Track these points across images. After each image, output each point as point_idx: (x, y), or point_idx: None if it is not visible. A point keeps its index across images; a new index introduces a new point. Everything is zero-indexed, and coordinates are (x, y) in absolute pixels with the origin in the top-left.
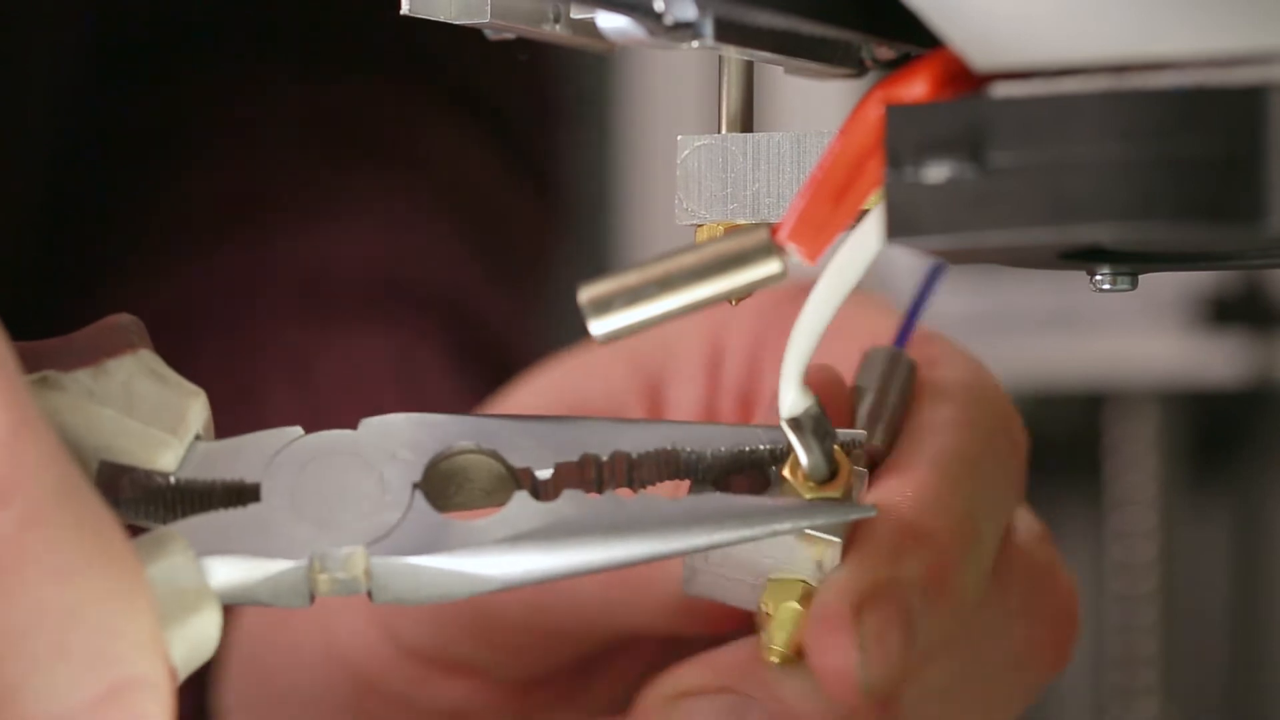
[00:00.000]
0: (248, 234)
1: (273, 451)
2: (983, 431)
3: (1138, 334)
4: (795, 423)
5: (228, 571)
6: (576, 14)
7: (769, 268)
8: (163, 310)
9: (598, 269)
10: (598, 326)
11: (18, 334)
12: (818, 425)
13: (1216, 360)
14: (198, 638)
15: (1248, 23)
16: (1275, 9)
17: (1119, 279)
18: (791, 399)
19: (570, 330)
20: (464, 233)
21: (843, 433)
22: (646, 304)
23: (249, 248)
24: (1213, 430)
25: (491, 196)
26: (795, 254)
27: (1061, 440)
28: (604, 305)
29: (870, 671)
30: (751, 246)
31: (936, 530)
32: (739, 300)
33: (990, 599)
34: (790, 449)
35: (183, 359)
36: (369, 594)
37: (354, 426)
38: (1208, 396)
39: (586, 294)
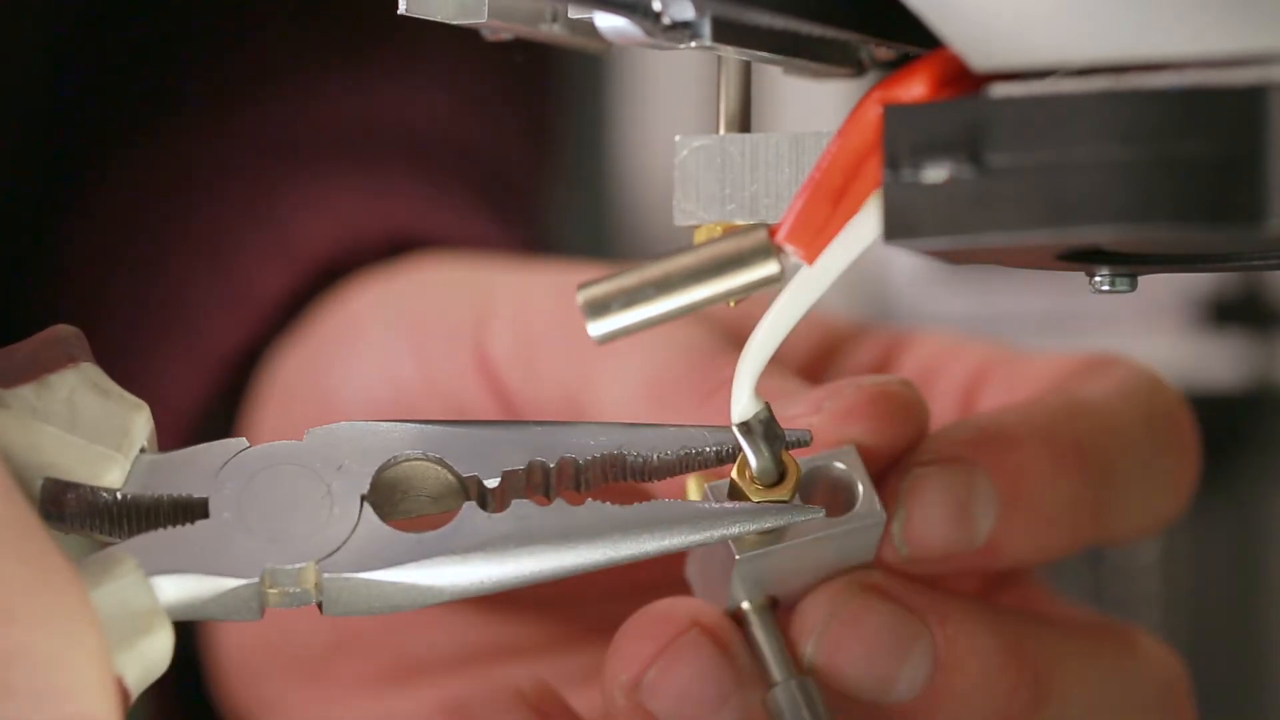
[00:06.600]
0: (286, 91)
1: (219, 464)
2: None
3: (1137, 336)
4: (745, 427)
5: (178, 590)
6: (574, 14)
7: (767, 269)
8: (188, 167)
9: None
10: (595, 328)
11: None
12: (767, 429)
13: (1216, 362)
14: (150, 658)
15: (1246, 24)
16: (1273, 10)
17: (1118, 280)
18: (743, 404)
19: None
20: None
21: (790, 433)
22: (644, 305)
23: (288, 103)
24: (1212, 433)
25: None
26: (793, 255)
27: None
28: (601, 307)
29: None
30: (749, 247)
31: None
32: (737, 301)
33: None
34: (738, 451)
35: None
36: (319, 605)
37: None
38: (1207, 399)
39: (584, 295)
